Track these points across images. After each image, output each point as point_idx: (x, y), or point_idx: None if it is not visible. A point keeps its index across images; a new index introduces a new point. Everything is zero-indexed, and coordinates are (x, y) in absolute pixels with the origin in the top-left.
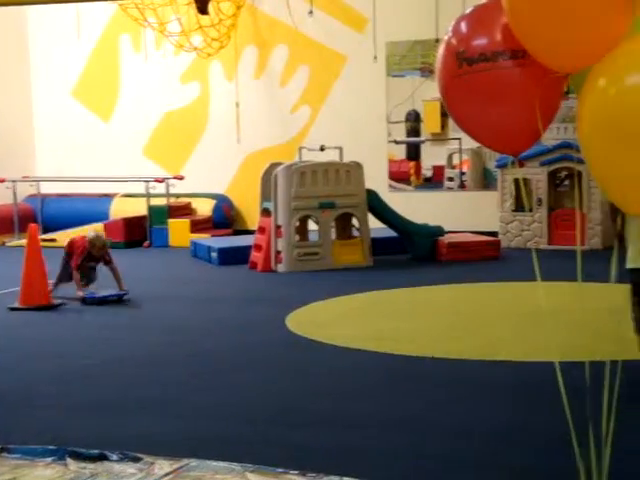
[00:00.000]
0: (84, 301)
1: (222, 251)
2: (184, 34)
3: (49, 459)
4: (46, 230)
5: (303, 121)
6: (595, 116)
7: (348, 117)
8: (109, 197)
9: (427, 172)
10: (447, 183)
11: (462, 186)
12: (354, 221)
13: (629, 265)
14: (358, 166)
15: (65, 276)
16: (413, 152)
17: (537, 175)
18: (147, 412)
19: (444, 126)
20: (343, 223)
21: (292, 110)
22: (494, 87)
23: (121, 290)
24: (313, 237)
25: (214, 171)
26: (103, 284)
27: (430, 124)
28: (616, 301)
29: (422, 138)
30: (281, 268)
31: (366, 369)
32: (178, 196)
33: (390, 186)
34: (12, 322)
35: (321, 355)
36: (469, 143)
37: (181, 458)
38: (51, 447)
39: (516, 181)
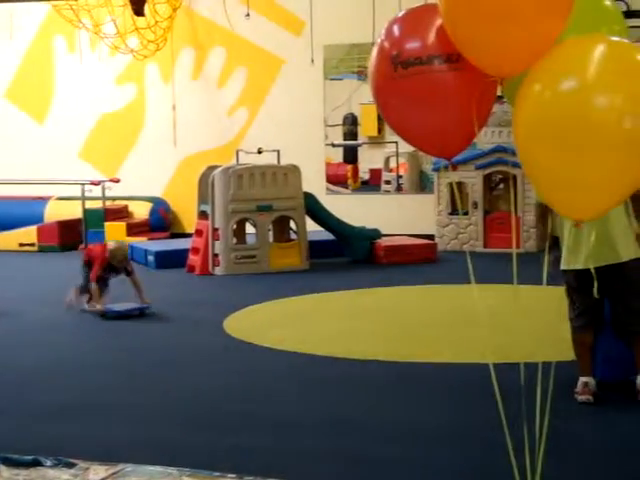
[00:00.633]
0: (103, 315)
1: (159, 254)
2: (120, 36)
3: None
4: None
5: (241, 124)
6: (531, 120)
7: (286, 120)
8: (44, 200)
9: (364, 175)
10: (384, 186)
11: (399, 189)
12: (292, 224)
13: (563, 267)
14: (296, 169)
15: (82, 285)
16: (350, 155)
17: (472, 179)
18: (81, 417)
19: (381, 129)
20: (280, 226)
21: (229, 113)
22: (428, 90)
23: (143, 303)
24: (251, 240)
25: (151, 174)
26: (114, 295)
27: (367, 127)
28: (551, 303)
29: (359, 141)
30: (219, 271)
31: (302, 372)
32: (114, 199)
33: (328, 189)
34: None
35: (258, 358)
36: (406, 146)
37: (116, 463)
38: None
39: (452, 184)
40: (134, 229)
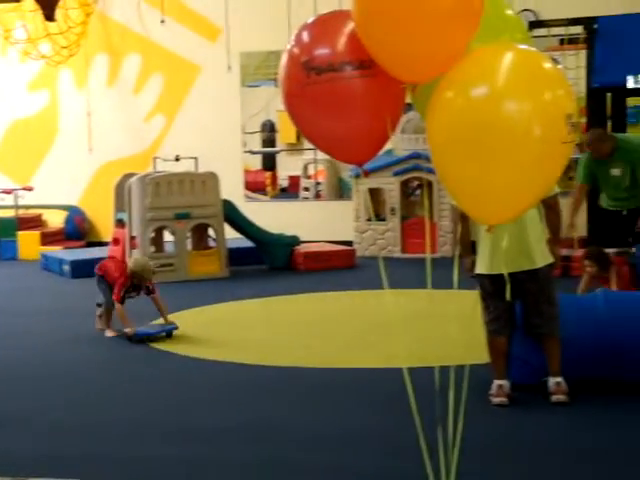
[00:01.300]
0: (130, 339)
1: (74, 263)
2: (31, 41)
3: None
4: None
5: (157, 131)
6: (443, 127)
7: (203, 127)
8: None
9: (283, 182)
10: (303, 193)
11: (318, 196)
12: (210, 232)
13: (477, 271)
14: (214, 176)
15: (111, 300)
16: (269, 162)
17: (390, 185)
18: None
19: (299, 136)
20: (199, 234)
21: (146, 120)
22: (341, 97)
23: (168, 323)
24: (169, 248)
25: (65, 182)
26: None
27: (285, 134)
28: (466, 307)
29: (277, 148)
30: None
31: (221, 380)
32: (28, 207)
33: (246, 196)
34: None
35: (176, 367)
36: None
37: (26, 477)
38: None
39: (370, 191)
40: (48, 238)
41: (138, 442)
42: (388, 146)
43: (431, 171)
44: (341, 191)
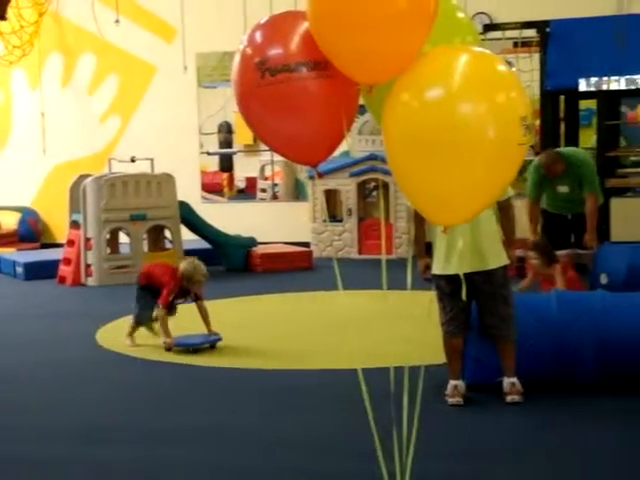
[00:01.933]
0: (169, 349)
1: (28, 266)
2: None
3: None
4: None
5: (113, 132)
6: (399, 129)
7: (159, 128)
8: None
9: (240, 183)
10: (260, 194)
11: (275, 197)
12: (166, 233)
13: (433, 272)
14: (170, 178)
15: (145, 316)
16: (226, 163)
17: (346, 186)
18: None
19: (256, 138)
20: (155, 235)
21: (101, 120)
22: (295, 98)
23: (211, 333)
24: (124, 250)
25: (19, 183)
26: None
27: (242, 136)
28: (421, 307)
29: (235, 149)
30: (91, 282)
31: (177, 382)
32: None
33: (203, 197)
34: None
35: (132, 370)
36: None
37: None
38: None
39: (327, 192)
40: (2, 240)
41: (105, 445)
42: (345, 147)
43: (387, 172)
44: (298, 192)
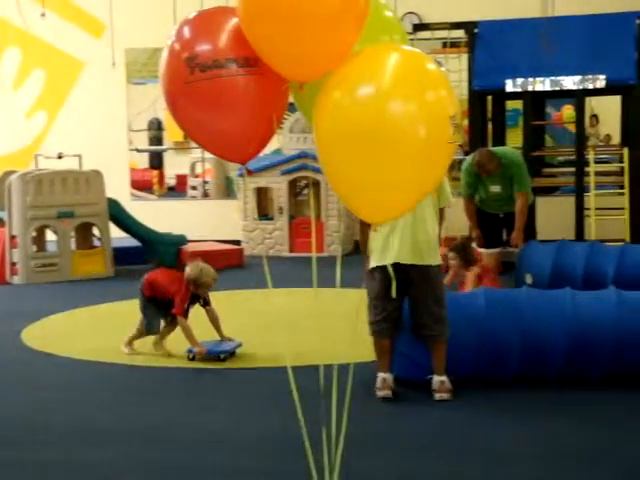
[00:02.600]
0: (193, 358)
1: None
2: None
3: None
4: None
5: (39, 128)
6: (329, 127)
7: (87, 124)
8: None
9: (171, 181)
10: (190, 192)
11: (205, 195)
12: (95, 231)
13: (370, 265)
14: (98, 174)
15: (155, 326)
16: (156, 161)
17: (278, 184)
18: None
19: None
20: (83, 233)
21: (27, 116)
22: (225, 94)
23: (224, 339)
24: (51, 247)
25: None
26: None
27: (173, 133)
28: (351, 305)
29: (165, 147)
30: (17, 280)
31: (105, 382)
32: None
33: (133, 195)
34: None
35: (58, 369)
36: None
37: None
38: None
39: (258, 190)
40: None
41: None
42: (276, 145)
43: (318, 170)
44: (229, 190)
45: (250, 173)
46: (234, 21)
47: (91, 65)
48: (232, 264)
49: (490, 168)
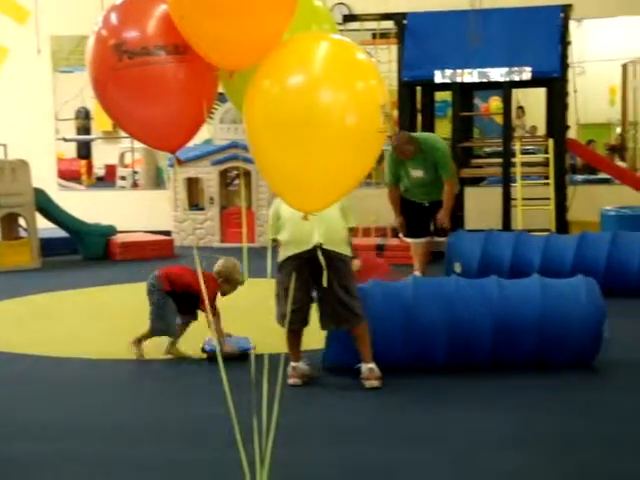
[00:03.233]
0: (211, 358)
1: None
2: None
3: None
4: None
5: None
6: (259, 116)
7: (12, 113)
8: None
9: (99, 171)
10: (120, 182)
11: (135, 185)
12: (21, 221)
13: (281, 258)
14: (24, 164)
15: (173, 325)
16: (84, 150)
17: (208, 174)
18: None
19: (115, 124)
20: (9, 223)
21: None
22: (153, 82)
23: (229, 336)
24: None
25: None
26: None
27: (101, 122)
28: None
29: (93, 136)
30: None
31: (33, 374)
32: None
33: (60, 185)
34: None
35: None
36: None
37: None
38: None
39: (189, 180)
40: None
41: None
42: (206, 135)
43: (249, 160)
44: (159, 180)
45: (180, 162)
46: (163, 7)
47: (15, 52)
48: (163, 255)
49: (406, 150)
